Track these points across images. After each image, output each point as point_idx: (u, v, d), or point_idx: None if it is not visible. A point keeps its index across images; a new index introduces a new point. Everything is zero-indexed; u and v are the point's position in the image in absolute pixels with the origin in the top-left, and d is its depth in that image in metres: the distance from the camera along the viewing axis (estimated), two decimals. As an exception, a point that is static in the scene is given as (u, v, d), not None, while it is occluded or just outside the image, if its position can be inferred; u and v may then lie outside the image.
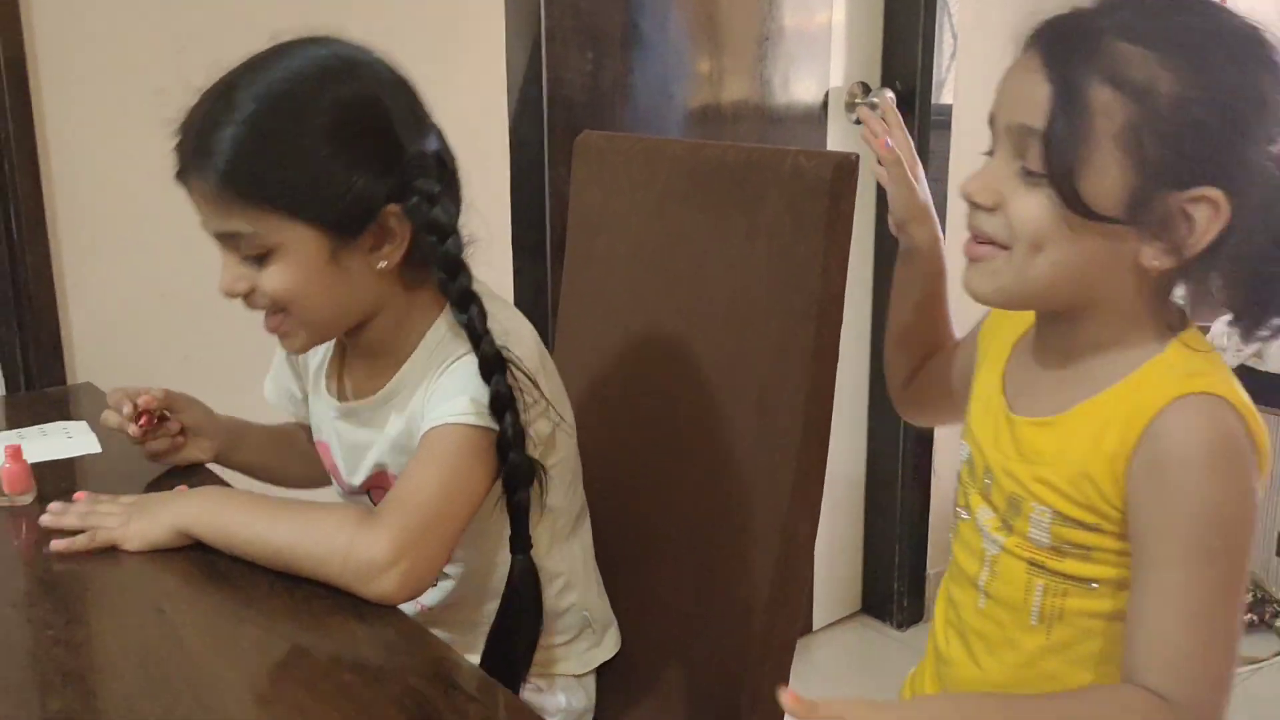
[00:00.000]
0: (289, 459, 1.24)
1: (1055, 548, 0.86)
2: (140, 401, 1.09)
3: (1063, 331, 0.88)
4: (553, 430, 1.05)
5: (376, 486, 1.09)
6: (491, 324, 0.98)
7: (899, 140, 1.09)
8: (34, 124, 1.41)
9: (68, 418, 1.34)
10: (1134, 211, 0.79)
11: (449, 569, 1.08)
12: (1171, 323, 0.85)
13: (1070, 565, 0.85)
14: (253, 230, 0.94)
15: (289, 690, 0.80)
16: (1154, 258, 0.81)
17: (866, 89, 2.27)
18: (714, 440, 1.17)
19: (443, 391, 0.97)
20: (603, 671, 1.20)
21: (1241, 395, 0.81)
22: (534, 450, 0.99)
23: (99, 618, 0.89)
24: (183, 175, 0.96)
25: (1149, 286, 0.83)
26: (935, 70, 2.26)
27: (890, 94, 2.24)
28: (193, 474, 1.15)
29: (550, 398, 1.03)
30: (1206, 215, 0.79)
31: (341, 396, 1.10)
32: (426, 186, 0.96)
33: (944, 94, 2.28)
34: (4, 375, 1.47)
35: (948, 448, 2.52)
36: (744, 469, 1.13)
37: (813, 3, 2.20)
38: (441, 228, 0.96)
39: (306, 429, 1.20)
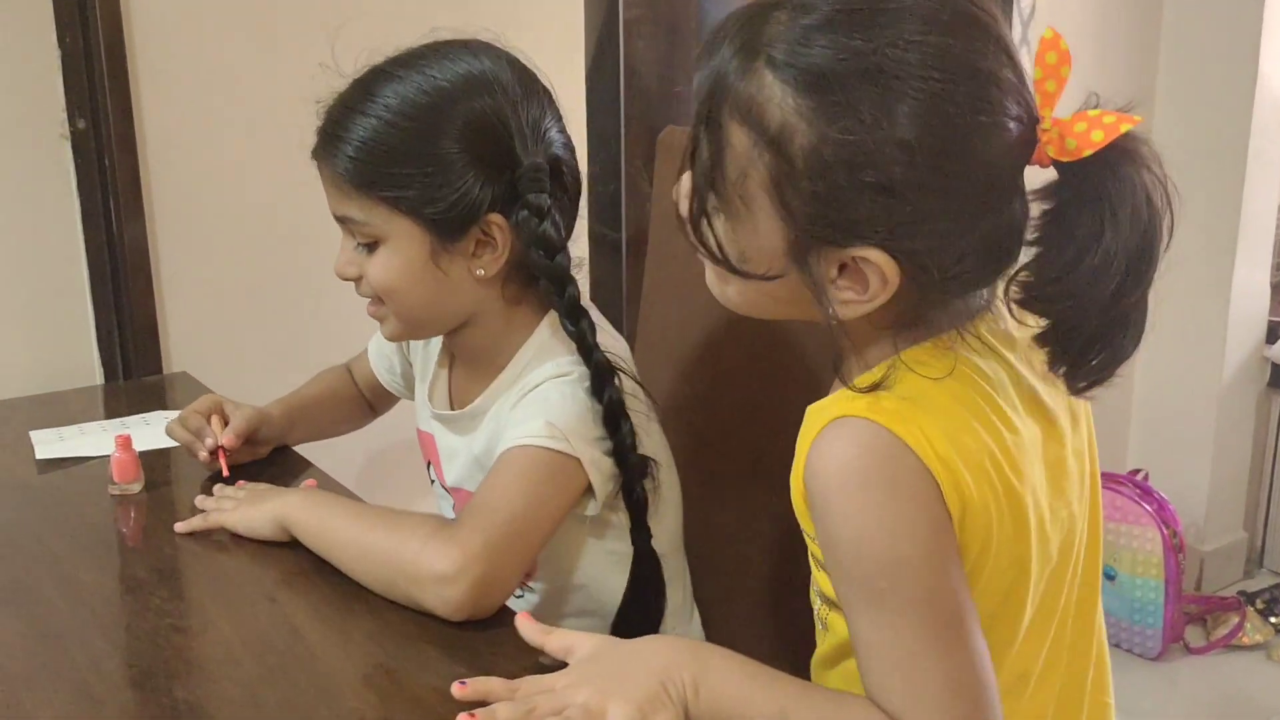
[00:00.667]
0: (337, 417, 1.30)
1: (814, 555, 0.81)
2: (226, 442, 1.13)
3: None
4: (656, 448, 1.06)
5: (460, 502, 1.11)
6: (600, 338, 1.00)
7: None
8: (133, 114, 1.45)
9: (164, 406, 1.38)
10: (792, 266, 0.72)
11: (533, 583, 1.09)
12: (897, 338, 0.74)
13: (822, 579, 0.80)
14: (364, 219, 0.99)
15: (404, 681, 0.82)
16: (834, 305, 0.72)
17: None
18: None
19: (522, 414, 0.98)
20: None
21: (917, 418, 0.70)
22: (642, 441, 1.01)
23: (214, 606, 0.92)
24: (316, 154, 1.01)
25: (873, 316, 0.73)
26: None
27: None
28: (304, 469, 1.19)
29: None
30: (876, 278, 0.70)
31: (445, 403, 1.12)
32: (536, 201, 0.97)
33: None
34: (102, 363, 1.51)
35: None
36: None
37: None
38: (550, 243, 0.98)
39: (348, 372, 1.29)
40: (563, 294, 0.99)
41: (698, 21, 1.98)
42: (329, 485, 1.13)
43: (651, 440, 1.05)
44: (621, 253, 1.92)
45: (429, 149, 0.96)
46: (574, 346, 0.99)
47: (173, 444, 1.19)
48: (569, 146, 1.04)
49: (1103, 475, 2.55)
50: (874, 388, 0.72)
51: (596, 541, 1.06)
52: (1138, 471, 2.53)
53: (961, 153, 0.68)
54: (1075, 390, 0.75)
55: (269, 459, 1.21)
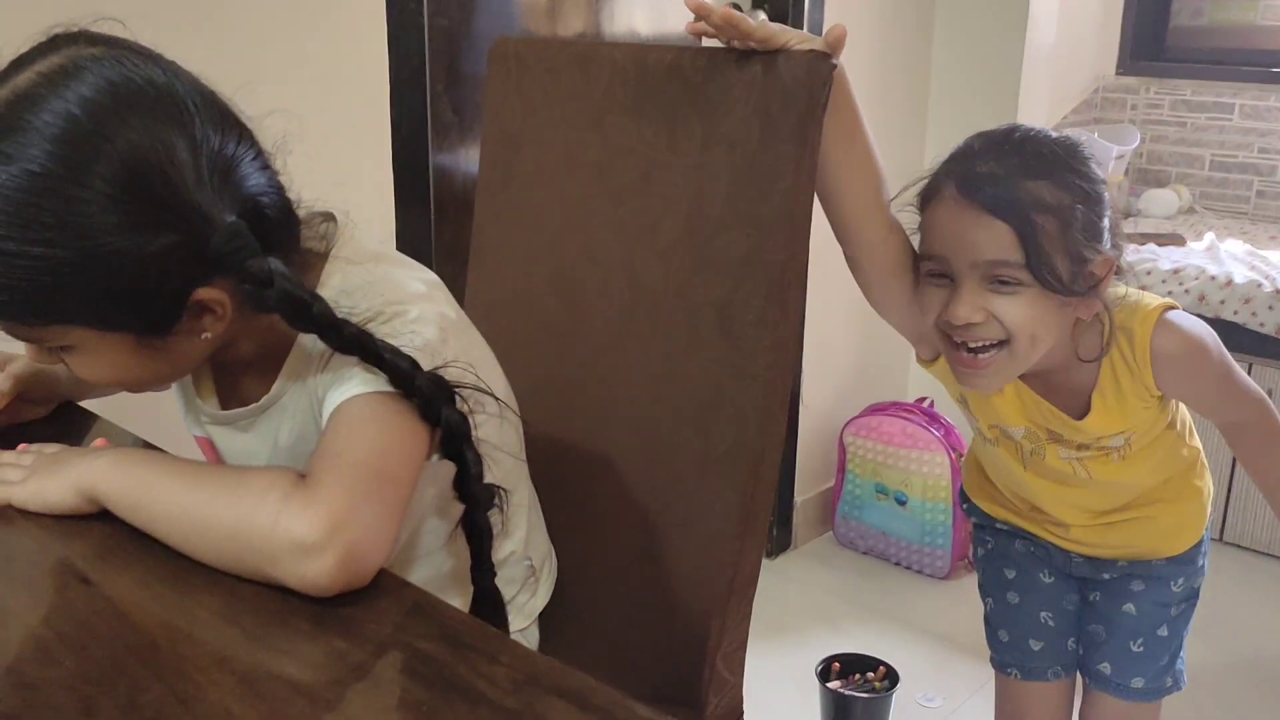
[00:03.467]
0: None
1: (1125, 437, 1.25)
2: None
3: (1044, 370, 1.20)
4: (500, 425, 0.94)
5: None
6: (400, 327, 0.83)
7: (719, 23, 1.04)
8: None
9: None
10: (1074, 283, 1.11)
11: None
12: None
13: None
14: (35, 336, 0.81)
15: (275, 667, 0.68)
16: (1084, 310, 1.15)
17: (738, 9, 2.20)
18: (669, 365, 1.09)
19: (338, 371, 0.83)
20: (546, 617, 1.11)
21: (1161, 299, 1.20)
22: (491, 468, 0.87)
23: (8, 592, 0.74)
24: None
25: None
26: (807, -9, 2.21)
27: (762, 15, 2.18)
28: (91, 424, 1.00)
29: (478, 364, 0.89)
30: (1101, 267, 1.13)
31: (220, 402, 0.96)
32: (257, 268, 0.78)
33: (817, 13, 2.23)
34: None
35: (816, 379, 2.53)
36: (704, 394, 1.06)
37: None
38: (297, 303, 0.79)
39: None
40: (345, 341, 0.80)
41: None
42: (123, 442, 0.95)
43: (501, 467, 0.93)
44: (429, 208, 1.76)
45: (64, 255, 0.74)
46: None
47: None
48: (269, 170, 0.83)
49: (892, 405, 2.61)
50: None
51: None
52: (924, 399, 2.61)
53: None
54: None
55: (50, 415, 1.02)
